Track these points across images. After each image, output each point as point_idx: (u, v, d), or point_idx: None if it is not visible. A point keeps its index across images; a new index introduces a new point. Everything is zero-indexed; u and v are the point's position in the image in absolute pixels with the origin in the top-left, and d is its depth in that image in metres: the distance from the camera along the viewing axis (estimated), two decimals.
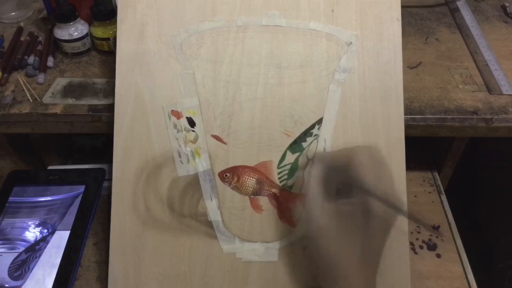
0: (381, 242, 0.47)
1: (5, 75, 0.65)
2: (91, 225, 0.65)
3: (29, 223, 0.62)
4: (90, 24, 0.68)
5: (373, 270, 0.47)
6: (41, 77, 0.64)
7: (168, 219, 0.56)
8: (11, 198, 0.66)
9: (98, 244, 0.64)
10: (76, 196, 0.66)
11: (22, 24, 0.75)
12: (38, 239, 0.61)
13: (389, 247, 0.56)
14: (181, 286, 0.56)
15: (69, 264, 0.59)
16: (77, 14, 0.66)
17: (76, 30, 0.66)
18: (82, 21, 0.67)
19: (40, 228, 0.62)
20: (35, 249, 0.60)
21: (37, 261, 0.58)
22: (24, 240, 0.60)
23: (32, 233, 0.61)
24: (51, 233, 0.61)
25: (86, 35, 0.67)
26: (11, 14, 0.77)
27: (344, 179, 0.48)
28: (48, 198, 0.66)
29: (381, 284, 0.56)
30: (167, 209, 0.56)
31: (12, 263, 0.58)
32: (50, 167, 0.74)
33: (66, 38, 0.66)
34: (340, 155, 0.50)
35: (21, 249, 0.60)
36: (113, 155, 0.56)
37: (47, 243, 0.60)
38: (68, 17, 0.65)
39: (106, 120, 0.60)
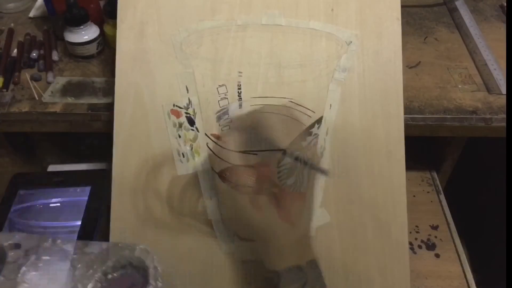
0: (302, 203, 0.49)
1: (16, 73, 0.65)
2: (99, 226, 0.64)
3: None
4: (101, 24, 0.68)
5: (302, 231, 0.49)
6: (50, 76, 0.64)
7: (167, 218, 0.56)
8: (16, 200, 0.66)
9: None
10: (82, 198, 0.66)
11: (12, 25, 0.75)
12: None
13: (388, 247, 0.56)
14: (181, 285, 0.56)
15: None
16: (88, 17, 0.66)
17: (88, 32, 0.66)
18: (93, 24, 0.67)
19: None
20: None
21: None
22: None
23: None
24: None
25: (99, 36, 0.67)
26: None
27: (258, 141, 0.50)
28: (54, 201, 0.66)
29: (381, 284, 0.56)
30: (166, 208, 0.56)
31: None
32: (50, 167, 0.74)
33: (79, 41, 0.66)
34: (250, 117, 0.51)
35: None
36: (112, 154, 0.56)
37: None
38: (80, 21, 0.65)
39: (106, 119, 0.60)
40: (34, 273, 0.48)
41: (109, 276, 0.49)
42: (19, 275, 0.47)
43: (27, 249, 0.50)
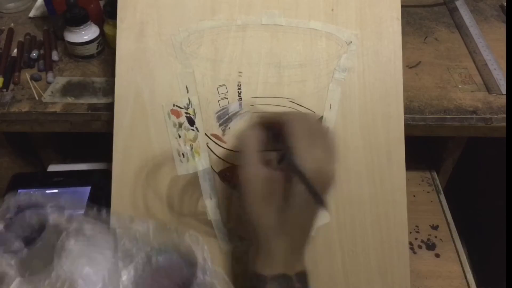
0: (305, 218, 0.46)
1: (16, 73, 0.65)
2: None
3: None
4: (101, 24, 0.68)
5: (298, 244, 0.46)
6: (50, 76, 0.64)
7: (167, 218, 0.56)
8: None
9: None
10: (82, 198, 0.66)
11: (12, 25, 0.75)
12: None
13: (388, 247, 0.56)
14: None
15: None
16: (88, 17, 0.66)
17: (88, 32, 0.66)
18: (93, 24, 0.67)
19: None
20: None
21: None
22: None
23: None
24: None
25: (99, 36, 0.67)
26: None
27: (278, 145, 0.47)
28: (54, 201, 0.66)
29: (381, 284, 0.56)
30: (166, 208, 0.56)
31: None
32: (50, 167, 0.74)
33: (79, 41, 0.66)
34: (275, 116, 0.48)
35: None
36: (112, 154, 0.56)
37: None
38: (80, 21, 0.65)
39: (106, 119, 0.60)
40: (74, 240, 0.43)
41: (153, 259, 0.44)
42: (59, 241, 0.43)
43: (70, 214, 0.45)
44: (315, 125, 0.48)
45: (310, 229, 0.47)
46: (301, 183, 0.42)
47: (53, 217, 0.45)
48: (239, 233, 0.56)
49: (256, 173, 0.45)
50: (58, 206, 0.46)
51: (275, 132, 0.47)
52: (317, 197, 0.42)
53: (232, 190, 0.56)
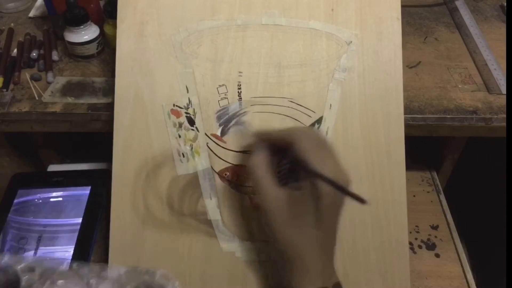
0: (333, 224, 0.46)
1: (16, 73, 0.65)
2: (99, 226, 0.64)
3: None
4: (101, 24, 0.68)
5: (329, 254, 0.47)
6: (50, 76, 0.64)
7: (167, 218, 0.56)
8: (16, 200, 0.66)
9: (97, 243, 0.64)
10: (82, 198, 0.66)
11: (12, 25, 0.75)
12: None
13: (388, 247, 0.56)
14: (181, 285, 0.56)
15: None
16: (88, 17, 0.66)
17: (88, 32, 0.66)
18: (93, 24, 0.67)
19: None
20: None
21: None
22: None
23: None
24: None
25: (99, 36, 0.67)
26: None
27: (289, 161, 0.48)
28: (54, 201, 0.66)
29: (381, 284, 0.56)
30: (166, 208, 0.56)
31: None
32: (50, 167, 0.74)
33: (79, 41, 0.66)
34: (279, 135, 0.48)
35: None
36: (112, 154, 0.56)
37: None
38: (80, 21, 0.65)
39: (106, 119, 0.60)
40: None
41: None
42: None
43: (41, 272, 0.47)
44: (318, 137, 0.48)
45: (336, 234, 0.47)
46: (325, 184, 0.43)
47: (24, 278, 0.46)
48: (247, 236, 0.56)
49: (275, 196, 0.45)
50: (29, 266, 0.47)
51: (281, 149, 0.47)
52: (345, 190, 0.43)
53: (238, 193, 0.56)
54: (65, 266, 0.48)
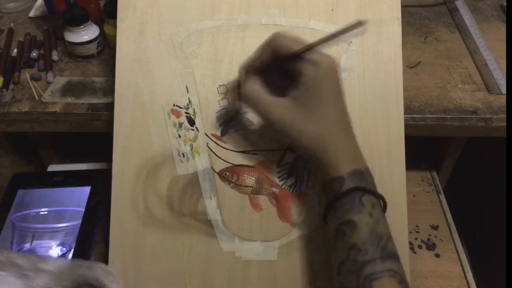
0: (341, 99, 0.48)
1: (16, 73, 0.65)
2: (99, 226, 0.65)
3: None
4: (101, 24, 0.68)
5: (351, 135, 0.48)
6: (50, 76, 0.64)
7: (167, 218, 0.56)
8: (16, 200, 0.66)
9: (97, 243, 0.64)
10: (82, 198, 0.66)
11: (12, 25, 0.75)
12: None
13: None
14: (181, 285, 0.56)
15: None
16: (88, 17, 0.66)
17: (88, 32, 0.66)
18: (93, 24, 0.67)
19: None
20: None
21: None
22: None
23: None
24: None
25: (99, 36, 0.67)
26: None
27: (277, 68, 0.49)
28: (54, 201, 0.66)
29: None
30: (166, 208, 0.56)
31: None
32: (50, 166, 0.74)
33: (79, 41, 0.66)
34: (259, 53, 0.49)
35: None
36: (112, 154, 0.56)
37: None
38: (80, 20, 0.65)
39: (106, 119, 0.60)
40: None
41: None
42: None
43: None
44: (292, 35, 0.49)
45: (347, 110, 0.48)
46: (308, 55, 0.45)
47: None
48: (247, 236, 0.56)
49: (282, 105, 0.47)
50: None
51: (266, 64, 0.48)
52: (332, 36, 0.45)
53: (232, 190, 0.56)
54: (4, 257, 0.47)
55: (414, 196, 0.75)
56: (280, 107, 0.47)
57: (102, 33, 0.68)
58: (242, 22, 0.57)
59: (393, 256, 0.44)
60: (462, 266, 0.65)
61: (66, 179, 0.69)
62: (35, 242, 0.62)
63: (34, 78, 0.64)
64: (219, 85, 0.56)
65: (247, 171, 0.56)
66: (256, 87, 0.48)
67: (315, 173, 0.49)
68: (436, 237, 0.69)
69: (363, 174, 0.46)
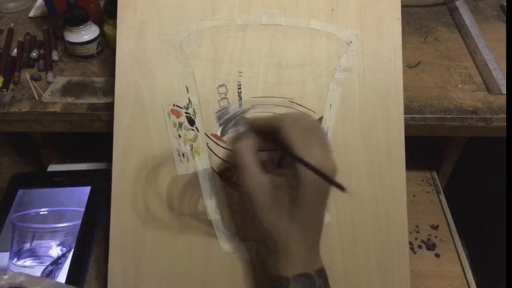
0: (317, 212, 0.46)
1: (16, 73, 0.65)
2: (99, 226, 0.65)
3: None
4: (101, 24, 0.68)
5: (313, 241, 0.47)
6: (50, 76, 0.64)
7: (167, 218, 0.56)
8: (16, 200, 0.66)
9: (97, 243, 0.64)
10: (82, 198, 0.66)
11: (12, 25, 0.75)
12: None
13: (388, 247, 0.56)
14: (181, 285, 0.56)
15: (76, 274, 0.59)
16: (88, 17, 0.66)
17: (88, 32, 0.66)
18: (93, 24, 0.67)
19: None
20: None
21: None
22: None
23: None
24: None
25: (99, 36, 0.67)
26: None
27: (276, 147, 0.47)
28: (54, 201, 0.66)
29: (381, 284, 0.56)
30: (166, 208, 0.56)
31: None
32: (50, 166, 0.74)
33: (79, 41, 0.65)
34: (269, 122, 0.48)
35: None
36: (112, 154, 0.56)
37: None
38: (80, 20, 0.65)
39: (106, 119, 0.60)
40: None
41: None
42: None
43: None
44: (308, 123, 0.47)
45: (322, 221, 0.47)
46: (308, 170, 0.42)
47: None
48: (247, 236, 0.56)
49: (259, 181, 0.45)
50: None
51: (269, 136, 0.47)
52: (327, 178, 0.42)
53: (238, 193, 0.56)
54: None
55: (414, 196, 0.75)
56: (258, 183, 0.45)
57: (102, 33, 0.68)
58: (242, 22, 0.57)
59: None
60: (462, 266, 0.65)
61: (66, 179, 0.69)
62: (35, 242, 0.62)
63: (34, 78, 0.64)
64: (219, 85, 0.56)
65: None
66: (249, 149, 0.47)
67: (268, 259, 0.49)
68: (436, 237, 0.69)
69: (310, 279, 0.45)
